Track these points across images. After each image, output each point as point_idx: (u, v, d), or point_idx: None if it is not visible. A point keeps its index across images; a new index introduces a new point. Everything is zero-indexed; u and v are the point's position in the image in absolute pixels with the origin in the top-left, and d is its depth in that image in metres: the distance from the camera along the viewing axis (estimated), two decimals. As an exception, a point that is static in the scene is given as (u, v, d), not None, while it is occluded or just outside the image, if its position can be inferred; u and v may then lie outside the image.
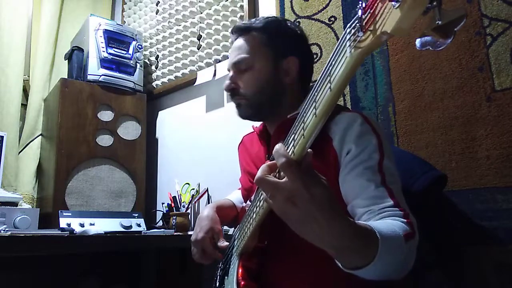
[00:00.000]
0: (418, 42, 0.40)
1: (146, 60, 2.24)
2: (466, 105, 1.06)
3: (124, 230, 1.49)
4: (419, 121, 1.15)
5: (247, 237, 0.77)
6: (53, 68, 2.16)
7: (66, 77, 1.88)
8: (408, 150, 1.14)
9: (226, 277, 0.87)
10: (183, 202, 1.71)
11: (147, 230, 1.55)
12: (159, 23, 2.19)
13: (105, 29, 1.94)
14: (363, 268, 0.55)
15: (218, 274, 0.93)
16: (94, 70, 1.88)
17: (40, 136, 2.01)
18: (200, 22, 1.93)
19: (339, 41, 0.46)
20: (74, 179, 1.73)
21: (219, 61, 1.81)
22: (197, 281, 1.68)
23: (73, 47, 1.93)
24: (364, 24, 0.41)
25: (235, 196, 1.13)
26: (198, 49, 1.93)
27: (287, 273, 0.81)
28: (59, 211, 1.45)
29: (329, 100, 0.47)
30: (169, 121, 2.14)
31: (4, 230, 1.23)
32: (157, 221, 1.89)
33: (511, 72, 1.00)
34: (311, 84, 0.99)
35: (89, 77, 1.87)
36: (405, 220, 0.66)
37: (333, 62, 0.47)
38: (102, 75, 1.89)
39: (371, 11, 0.40)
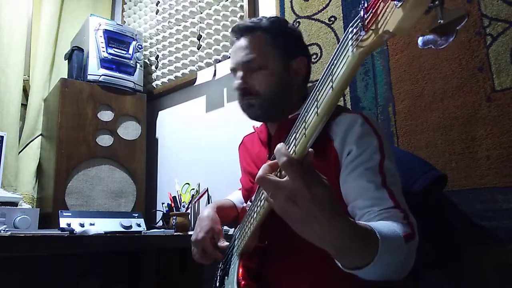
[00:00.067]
0: (420, 40, 0.41)
1: (146, 60, 2.24)
2: (466, 105, 1.06)
3: (124, 230, 1.49)
4: (419, 121, 1.15)
5: (247, 237, 0.77)
6: (53, 68, 2.16)
7: (66, 77, 1.88)
8: (408, 150, 1.14)
9: (226, 277, 0.87)
10: (183, 202, 1.71)
11: (147, 230, 1.55)
12: (159, 23, 2.19)
13: (105, 29, 1.94)
14: (363, 268, 0.55)
15: (218, 274, 0.93)
16: (94, 70, 1.88)
17: (40, 136, 2.00)
18: (200, 22, 1.93)
19: (341, 40, 0.46)
20: (74, 179, 1.73)
21: (219, 61, 1.81)
22: (197, 281, 1.68)
23: (73, 47, 1.93)
24: (366, 23, 0.41)
25: (236, 196, 1.13)
26: (198, 49, 1.93)
27: (288, 273, 0.80)
28: (59, 211, 1.45)
29: (331, 99, 0.47)
30: (169, 121, 2.14)
31: (4, 230, 1.23)
32: (157, 221, 1.89)
33: (511, 72, 1.00)
34: (309, 84, 0.99)
35: (89, 77, 1.87)
36: (405, 221, 0.66)
37: (335, 62, 0.47)
38: (102, 75, 1.89)
39: (373, 10, 0.41)
